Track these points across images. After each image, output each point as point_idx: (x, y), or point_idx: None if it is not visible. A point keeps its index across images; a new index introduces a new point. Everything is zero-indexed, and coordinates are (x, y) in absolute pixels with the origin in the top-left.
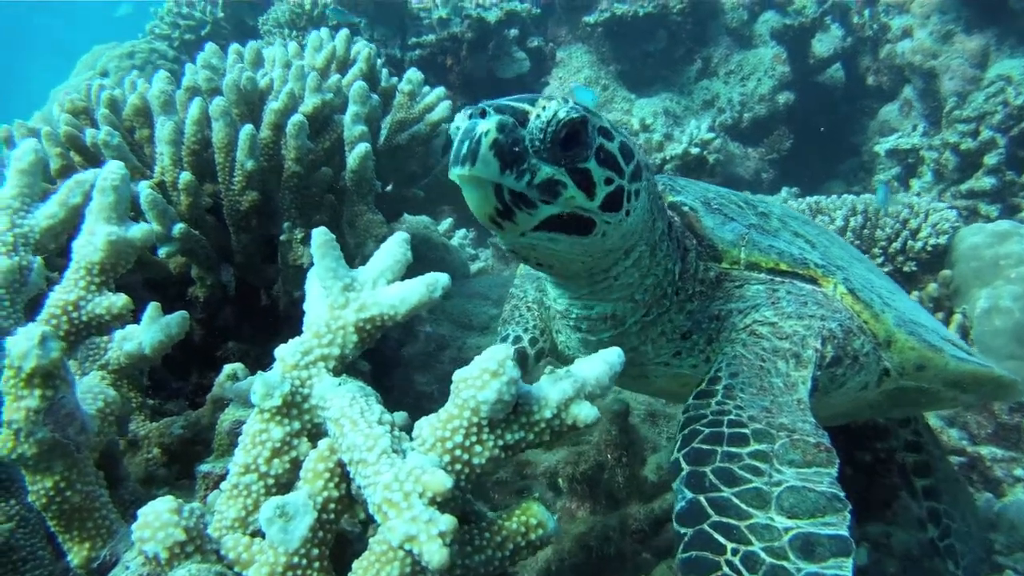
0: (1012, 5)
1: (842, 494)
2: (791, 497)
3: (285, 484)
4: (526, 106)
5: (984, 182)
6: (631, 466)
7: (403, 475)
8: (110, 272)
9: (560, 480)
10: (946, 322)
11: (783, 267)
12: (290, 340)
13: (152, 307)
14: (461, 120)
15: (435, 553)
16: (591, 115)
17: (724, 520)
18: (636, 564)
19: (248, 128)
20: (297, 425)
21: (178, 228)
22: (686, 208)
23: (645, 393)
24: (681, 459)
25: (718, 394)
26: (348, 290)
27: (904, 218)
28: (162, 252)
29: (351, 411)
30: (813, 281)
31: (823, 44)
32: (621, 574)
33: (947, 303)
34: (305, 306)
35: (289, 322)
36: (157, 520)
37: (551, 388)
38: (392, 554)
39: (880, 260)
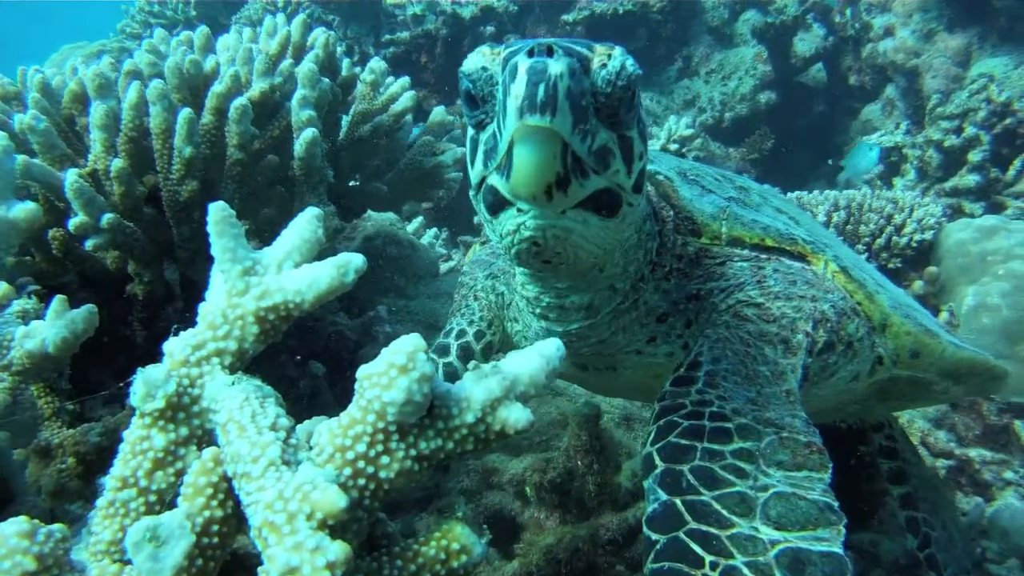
0: (994, 3)
1: (836, 504)
2: (779, 505)
3: (170, 502)
4: (585, 51)
5: (968, 179)
6: (603, 473)
7: (289, 492)
8: None
9: (527, 488)
10: None
11: (769, 242)
12: (181, 332)
13: (57, 300)
14: (483, 59)
15: None
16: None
17: (702, 528)
18: None
19: (186, 111)
20: (184, 431)
21: (107, 218)
22: (661, 177)
23: (609, 393)
24: (655, 454)
25: (699, 381)
26: (249, 274)
27: (888, 213)
28: (89, 244)
29: (240, 415)
30: (802, 258)
31: (805, 43)
32: None
33: (933, 300)
34: (206, 295)
35: None
36: (3, 545)
37: (475, 387)
38: None
39: (864, 256)
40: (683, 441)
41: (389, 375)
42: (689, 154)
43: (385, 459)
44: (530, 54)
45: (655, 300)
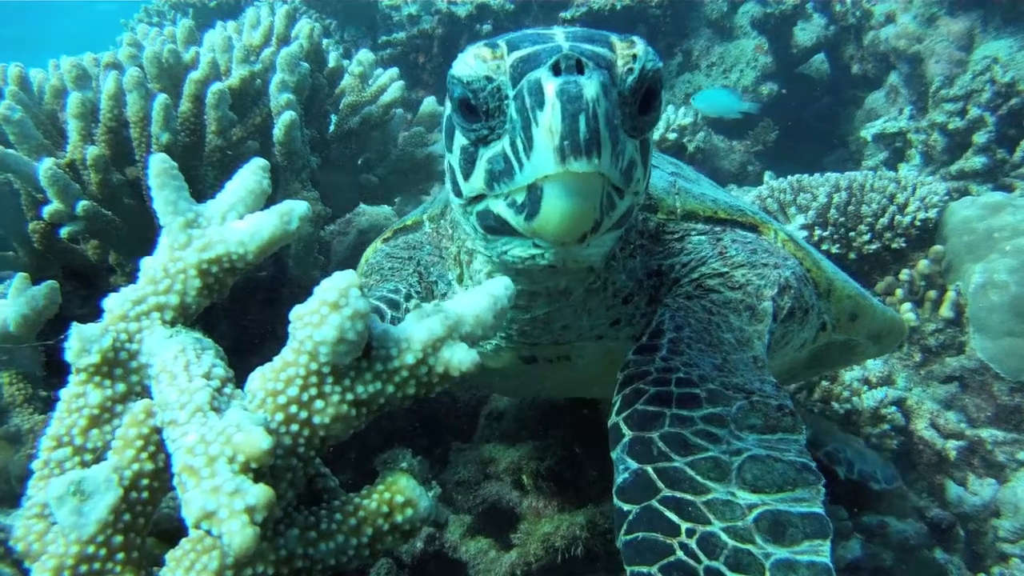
0: None
1: (813, 464)
2: (755, 468)
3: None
4: (607, 51)
5: (974, 161)
6: (602, 460)
7: (211, 435)
8: None
9: (524, 477)
10: (939, 300)
11: (721, 215)
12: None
13: (18, 278)
14: (484, 66)
15: (236, 534)
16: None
17: (676, 495)
18: (608, 565)
19: (162, 97)
20: (121, 388)
21: (82, 205)
22: None
23: (558, 389)
24: (622, 423)
25: (663, 349)
26: (191, 226)
27: (891, 193)
28: (64, 232)
29: (174, 365)
30: (753, 229)
31: (806, 33)
32: (593, 574)
33: (939, 280)
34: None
35: (225, 311)
36: None
37: (416, 327)
38: (210, 540)
39: (867, 237)
40: (651, 408)
41: (320, 313)
42: (690, 144)
43: (319, 403)
44: (555, 70)
45: (622, 280)
